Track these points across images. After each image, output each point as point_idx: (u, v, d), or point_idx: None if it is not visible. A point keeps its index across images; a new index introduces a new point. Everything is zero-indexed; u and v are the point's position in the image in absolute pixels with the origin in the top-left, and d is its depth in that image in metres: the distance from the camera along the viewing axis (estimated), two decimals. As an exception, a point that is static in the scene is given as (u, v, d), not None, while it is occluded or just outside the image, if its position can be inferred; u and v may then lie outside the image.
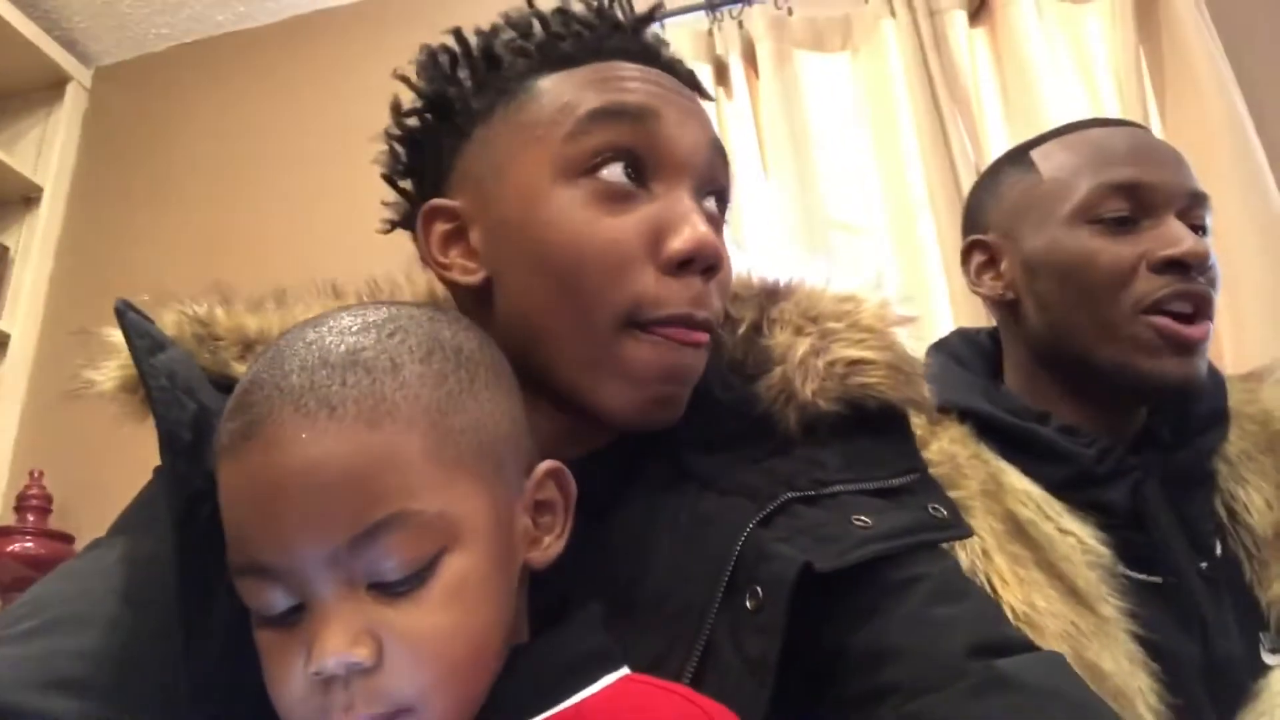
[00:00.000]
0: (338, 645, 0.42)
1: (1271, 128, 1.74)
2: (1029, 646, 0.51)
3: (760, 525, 0.54)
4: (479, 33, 0.64)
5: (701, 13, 1.98)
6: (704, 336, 0.58)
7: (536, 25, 0.63)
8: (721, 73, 1.96)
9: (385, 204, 0.69)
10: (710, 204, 0.61)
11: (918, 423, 0.67)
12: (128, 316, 0.55)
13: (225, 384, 0.56)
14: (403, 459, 0.45)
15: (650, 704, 0.46)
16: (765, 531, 0.54)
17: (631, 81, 0.59)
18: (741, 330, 0.66)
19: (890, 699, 0.48)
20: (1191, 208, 0.86)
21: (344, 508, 0.43)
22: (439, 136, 0.63)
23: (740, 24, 1.98)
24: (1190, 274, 0.83)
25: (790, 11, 1.97)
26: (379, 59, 2.30)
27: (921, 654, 0.49)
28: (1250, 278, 1.60)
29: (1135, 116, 1.73)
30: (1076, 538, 0.80)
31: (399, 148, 0.66)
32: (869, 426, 0.61)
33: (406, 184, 0.67)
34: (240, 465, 0.45)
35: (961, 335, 1.03)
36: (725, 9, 1.99)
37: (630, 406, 0.57)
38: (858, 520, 0.54)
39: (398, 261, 2.01)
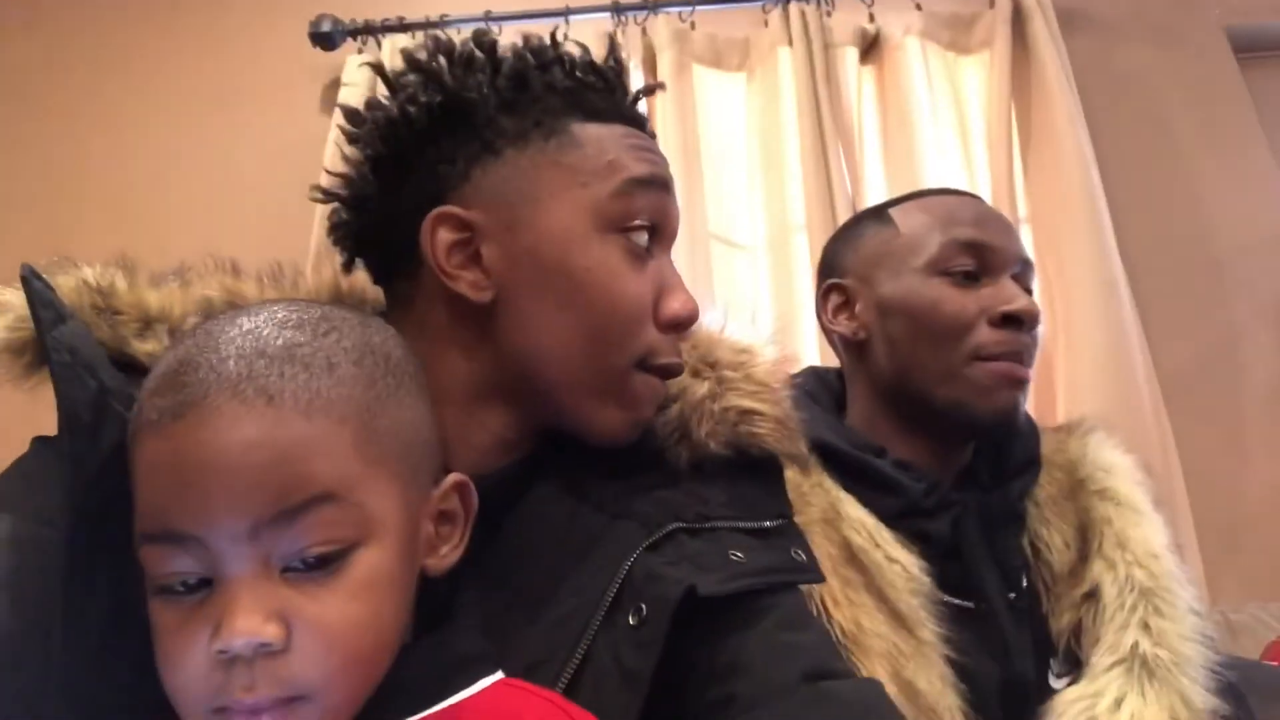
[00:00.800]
0: (249, 624, 0.42)
1: (1118, 192, 1.89)
2: (855, 675, 0.56)
3: (648, 550, 0.58)
4: (514, 52, 0.65)
5: (606, 14, 2.00)
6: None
7: (561, 67, 0.65)
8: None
9: (333, 173, 0.67)
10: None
11: None
12: (33, 285, 0.53)
13: (121, 360, 0.55)
14: (333, 449, 0.46)
15: (521, 708, 0.49)
16: (652, 556, 0.58)
17: (654, 154, 0.66)
18: None
19: (730, 708, 0.53)
20: (1023, 272, 0.97)
21: (273, 484, 0.44)
22: (457, 141, 0.62)
23: (644, 31, 2.01)
24: (1022, 329, 0.93)
25: (693, 25, 2.02)
26: (271, 14, 2.23)
27: (763, 672, 0.54)
28: (1087, 333, 1.74)
29: (1001, 164, 1.86)
30: (902, 565, 0.87)
31: (391, 130, 0.63)
32: (749, 470, 0.66)
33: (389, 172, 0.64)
34: (168, 441, 0.45)
35: (814, 372, 1.09)
36: (631, 14, 2.02)
37: (621, 427, 0.64)
38: (734, 554, 0.59)
39: (278, 222, 1.96)
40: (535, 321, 0.61)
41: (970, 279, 0.94)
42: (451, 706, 0.48)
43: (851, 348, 1.02)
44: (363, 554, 0.46)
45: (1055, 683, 0.87)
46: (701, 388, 0.66)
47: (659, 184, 0.64)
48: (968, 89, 2.01)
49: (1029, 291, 0.97)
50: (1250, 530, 1.74)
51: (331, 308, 0.54)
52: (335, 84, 2.06)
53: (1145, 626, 0.85)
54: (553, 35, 0.67)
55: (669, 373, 0.65)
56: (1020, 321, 0.92)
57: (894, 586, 0.85)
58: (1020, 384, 0.93)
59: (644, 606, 0.55)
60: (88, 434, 0.49)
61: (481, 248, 0.61)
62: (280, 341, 0.48)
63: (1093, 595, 0.90)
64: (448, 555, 0.54)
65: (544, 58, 0.64)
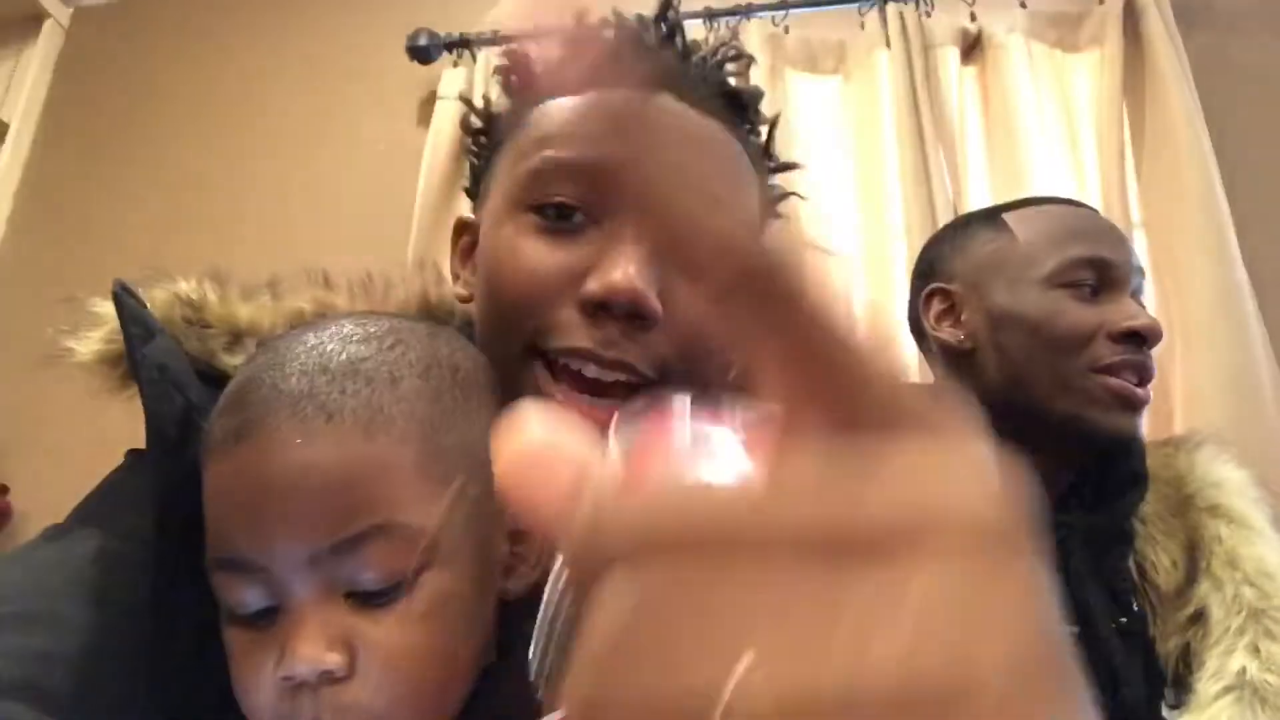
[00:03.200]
0: (311, 650, 0.42)
1: (1241, 197, 1.78)
2: None
3: None
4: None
5: (699, 21, 1.98)
6: (613, 374, 0.55)
7: None
8: (713, 83, 1.96)
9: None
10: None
11: None
12: (124, 301, 0.54)
13: (210, 374, 0.55)
14: (394, 471, 0.45)
15: None
16: None
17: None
18: None
19: None
20: (1140, 287, 0.96)
21: (331, 511, 0.43)
22: (482, 153, 0.66)
23: (735, 35, 1.99)
24: (1143, 347, 0.92)
25: (786, 30, 1.98)
26: (371, 12, 2.29)
27: None
28: (1207, 345, 1.64)
29: (1112, 168, 1.77)
30: (1005, 587, 0.82)
31: (472, 161, 0.68)
32: None
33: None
34: (232, 463, 0.45)
35: None
36: (723, 20, 1.99)
37: None
38: None
39: (376, 236, 2.01)
40: (477, 310, 0.61)
41: (1092, 293, 0.93)
42: None
43: (953, 357, 0.98)
44: (429, 577, 0.45)
45: (1168, 713, 0.82)
46: None
47: (588, 169, 0.56)
48: (1076, 89, 1.92)
49: (1142, 305, 0.96)
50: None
51: (401, 320, 0.53)
52: (432, 98, 2.09)
53: (1255, 650, 0.80)
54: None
55: (585, 359, 0.54)
56: (1142, 338, 0.91)
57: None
58: (1138, 403, 0.91)
59: None
60: (175, 451, 0.50)
61: (477, 250, 0.63)
62: (344, 357, 0.47)
63: (1200, 617, 0.85)
64: (525, 575, 0.52)
65: None
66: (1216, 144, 1.79)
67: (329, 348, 0.48)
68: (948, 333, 0.98)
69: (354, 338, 0.49)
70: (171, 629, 0.48)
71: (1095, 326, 0.91)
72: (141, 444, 0.58)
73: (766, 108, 0.69)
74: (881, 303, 1.79)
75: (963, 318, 0.98)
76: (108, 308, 0.58)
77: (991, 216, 1.01)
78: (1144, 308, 0.95)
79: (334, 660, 0.42)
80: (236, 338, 0.60)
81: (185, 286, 0.61)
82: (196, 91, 2.28)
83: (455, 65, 2.09)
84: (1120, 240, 0.97)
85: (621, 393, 0.54)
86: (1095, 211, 1.02)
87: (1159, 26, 1.85)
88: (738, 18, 1.99)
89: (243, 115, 2.24)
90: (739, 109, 0.65)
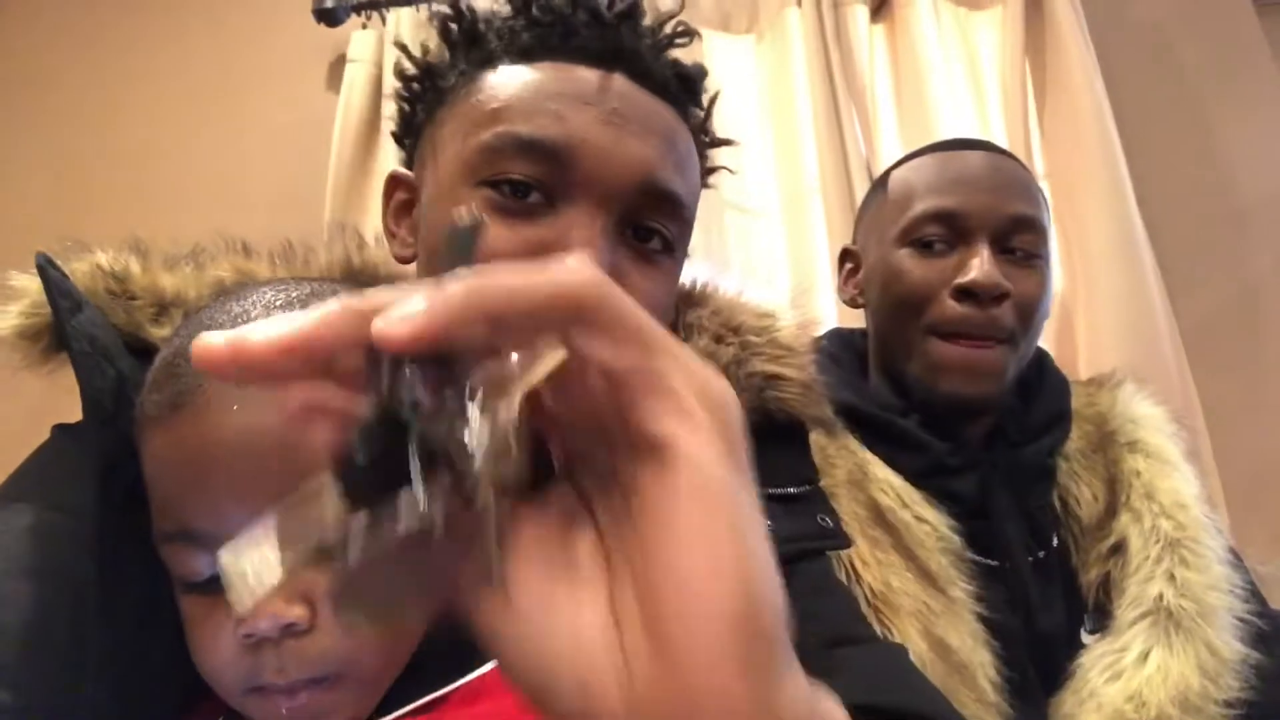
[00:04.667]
0: (271, 606, 0.42)
1: (1136, 149, 1.87)
2: (877, 640, 0.56)
3: None
4: (476, 11, 0.64)
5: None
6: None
7: (519, 6, 0.62)
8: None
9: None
10: (634, 239, 0.60)
11: None
12: (50, 275, 0.53)
13: (139, 346, 0.54)
14: None
15: None
16: None
17: (566, 102, 0.58)
18: None
19: None
20: (1010, 233, 0.90)
21: (275, 475, 0.43)
22: (417, 108, 0.64)
23: (650, -4, 1.99)
24: (982, 302, 0.87)
25: (700, -11, 1.99)
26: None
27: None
28: (1107, 287, 1.72)
29: (1016, 122, 1.83)
30: (931, 525, 0.86)
31: (401, 107, 0.67)
32: (774, 436, 0.64)
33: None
34: (170, 435, 0.45)
35: (837, 334, 1.09)
36: (636, -21, 1.99)
37: None
38: (822, 520, 0.58)
39: (288, 203, 1.97)
40: (421, 278, 0.59)
41: (938, 248, 0.90)
42: (475, 680, 0.48)
43: (866, 314, 1.02)
44: None
45: (1086, 638, 0.87)
46: (726, 354, 0.65)
47: (547, 148, 0.56)
48: (981, 46, 1.97)
49: (1023, 252, 0.91)
50: (1276, 482, 1.72)
51: (321, 283, 0.53)
52: (341, 61, 2.04)
53: (1171, 578, 0.84)
54: None
55: None
56: (976, 295, 0.87)
57: (923, 545, 0.85)
58: (975, 368, 0.88)
59: None
60: (110, 423, 0.49)
61: (415, 208, 0.62)
62: None
63: (1120, 548, 0.89)
64: None
65: (518, 3, 0.62)
66: (1113, 97, 1.86)
67: (253, 314, 0.48)
68: (845, 292, 1.02)
69: (276, 303, 0.49)
70: (117, 601, 0.48)
71: (936, 284, 0.89)
72: (63, 418, 0.57)
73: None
74: (801, 258, 1.83)
75: (858, 277, 1.01)
76: (24, 281, 0.56)
77: (886, 173, 1.02)
78: (1023, 254, 0.90)
79: (296, 614, 0.43)
80: (163, 308, 0.59)
81: (105, 258, 0.59)
82: (95, 59, 2.19)
83: (364, 28, 2.04)
84: (991, 185, 0.91)
85: None
86: (980, 153, 0.95)
87: (1057, -17, 1.91)
88: (651, -23, 1.99)
89: (145, 83, 2.15)
90: (687, 89, 0.66)
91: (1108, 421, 0.97)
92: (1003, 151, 1.00)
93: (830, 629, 0.55)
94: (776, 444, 0.65)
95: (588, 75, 0.59)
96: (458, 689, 0.48)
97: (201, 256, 0.65)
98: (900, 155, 1.85)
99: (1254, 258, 1.90)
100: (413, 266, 0.66)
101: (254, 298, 0.50)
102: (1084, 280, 1.78)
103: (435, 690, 0.48)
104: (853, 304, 1.01)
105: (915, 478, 0.89)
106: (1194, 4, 2.07)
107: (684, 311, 0.69)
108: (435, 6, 0.67)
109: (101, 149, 2.10)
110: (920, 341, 0.90)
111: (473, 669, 0.49)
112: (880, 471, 0.89)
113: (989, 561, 0.89)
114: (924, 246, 0.90)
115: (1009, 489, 0.92)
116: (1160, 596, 0.83)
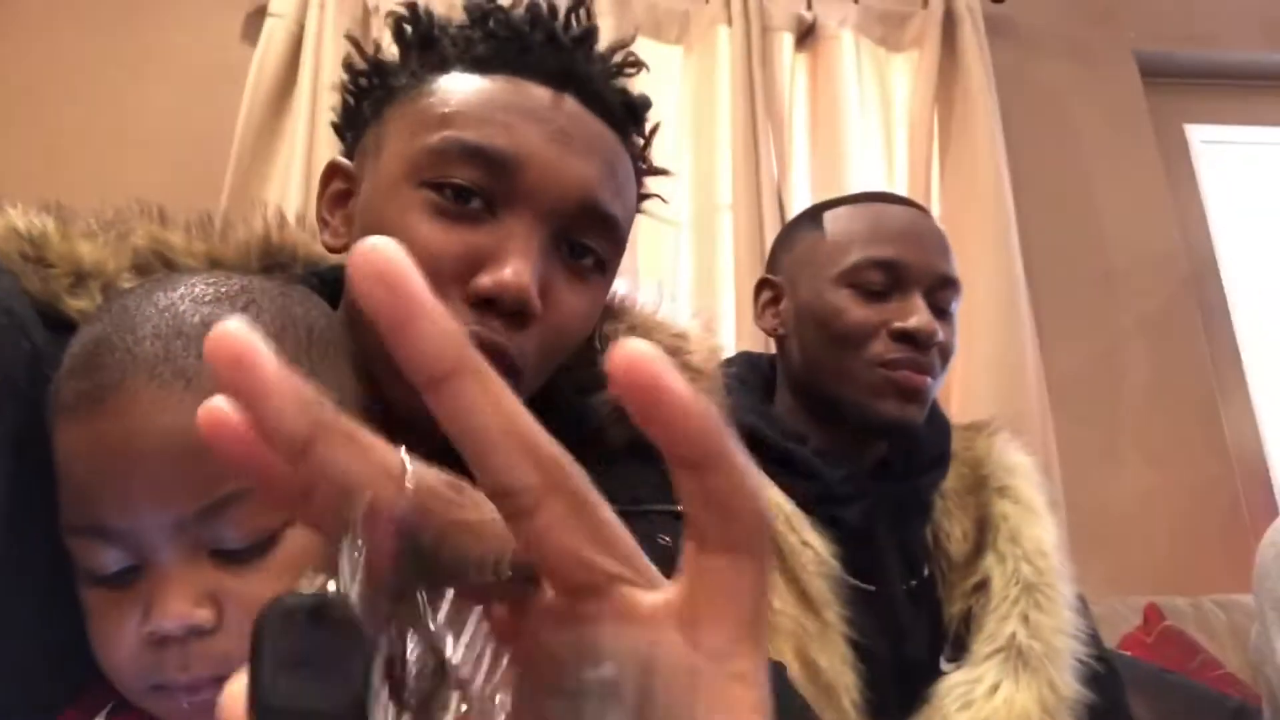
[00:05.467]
0: (179, 607, 0.42)
1: (1025, 202, 1.98)
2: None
3: None
4: (427, 13, 0.64)
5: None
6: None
7: (478, 17, 0.62)
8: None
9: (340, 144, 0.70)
10: (567, 255, 0.61)
11: None
12: None
13: (53, 317, 0.52)
14: None
15: None
16: None
17: (516, 115, 0.59)
18: None
19: None
20: (938, 289, 1.00)
21: (194, 477, 0.43)
22: (363, 102, 0.64)
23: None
24: (919, 346, 0.96)
25: (635, -7, 2.01)
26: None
27: None
28: (985, 332, 1.82)
29: (920, 162, 1.92)
30: (814, 549, 0.91)
31: (346, 100, 0.67)
32: (651, 452, 0.66)
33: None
34: (87, 428, 0.44)
35: (747, 358, 1.13)
36: (572, -26, 1.99)
37: (420, 406, 0.58)
38: (662, 539, 0.60)
39: (192, 154, 1.88)
40: None
41: (879, 294, 0.98)
42: None
43: (776, 342, 1.06)
44: (292, 532, 0.45)
45: (945, 666, 0.94)
46: None
47: (494, 157, 0.57)
48: (895, 85, 2.06)
49: (942, 311, 1.00)
50: (1117, 529, 1.86)
51: (252, 279, 0.52)
52: (260, 13, 1.97)
53: (1025, 619, 0.92)
54: None
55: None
56: (915, 340, 0.95)
57: (805, 569, 0.90)
58: (914, 394, 0.96)
59: None
60: (24, 398, 0.48)
61: (351, 200, 0.62)
62: (197, 319, 0.46)
63: (983, 586, 0.96)
64: None
65: (473, 11, 0.63)
66: (1009, 150, 1.97)
67: (181, 309, 0.46)
68: (767, 321, 1.06)
69: (205, 298, 0.48)
70: (21, 580, 0.47)
71: (876, 325, 0.96)
72: None
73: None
74: (705, 271, 1.87)
75: (780, 307, 1.05)
76: None
77: (815, 213, 1.07)
78: (940, 313, 0.99)
79: (203, 616, 0.42)
80: (80, 279, 0.56)
81: (22, 220, 0.56)
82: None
83: (288, -19, 1.98)
84: (925, 243, 1.00)
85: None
86: (913, 211, 1.06)
87: (972, 37, 2.02)
88: (587, -26, 2.00)
89: (43, 22, 2.02)
90: (632, 117, 0.67)
91: (983, 465, 1.04)
92: (926, 211, 1.10)
93: None
94: (649, 461, 0.67)
95: (540, 92, 0.60)
96: None
97: (123, 226, 0.62)
98: (809, 180, 1.93)
99: (1119, 316, 2.05)
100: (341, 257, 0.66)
101: (182, 289, 0.48)
102: (964, 325, 1.86)
103: None
104: (772, 333, 1.06)
105: (805, 503, 0.94)
106: (1089, 72, 2.22)
107: (601, 322, 0.70)
108: (393, 5, 0.67)
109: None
110: (862, 371, 0.96)
111: None
112: (774, 494, 0.93)
113: (866, 586, 0.95)
114: (864, 289, 0.97)
115: (890, 520, 0.98)
116: (1014, 635, 0.90)
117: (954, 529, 1.02)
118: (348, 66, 0.65)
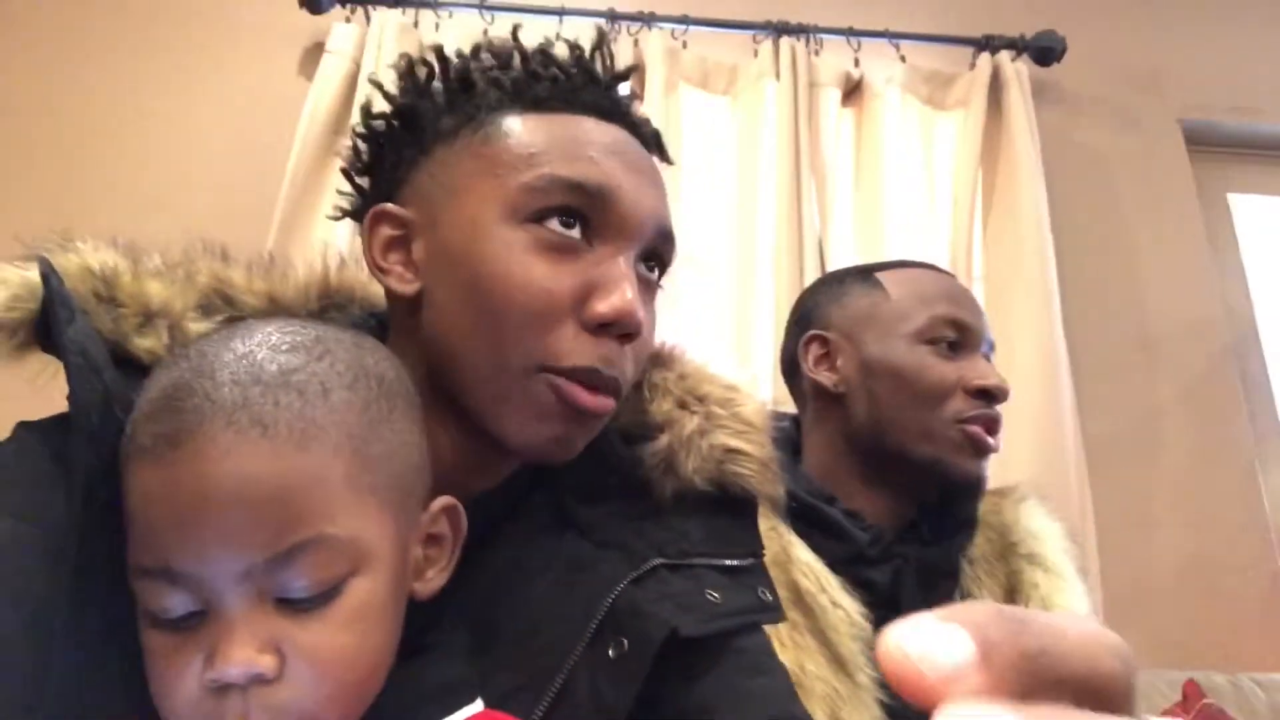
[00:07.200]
0: (243, 655, 0.43)
1: (1068, 265, 1.97)
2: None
3: (631, 583, 0.60)
4: (459, 55, 0.66)
5: (601, 19, 2.01)
6: (608, 400, 0.60)
7: (516, 59, 0.65)
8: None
9: (340, 192, 0.70)
10: (644, 270, 0.64)
11: None
12: (51, 282, 0.52)
13: (120, 355, 0.54)
14: (326, 483, 0.46)
15: None
16: (636, 589, 0.59)
17: (597, 150, 0.61)
18: None
19: None
20: (989, 352, 1.06)
21: (266, 526, 0.44)
22: (401, 145, 0.65)
23: (636, 42, 2.03)
24: (993, 402, 1.01)
25: (685, 44, 2.04)
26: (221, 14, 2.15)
27: (731, 717, 0.56)
28: (1025, 397, 1.80)
29: (963, 221, 1.92)
30: (845, 611, 0.90)
31: (362, 145, 0.68)
32: (726, 506, 0.67)
33: (364, 181, 0.69)
34: (165, 471, 0.45)
35: (773, 417, 1.13)
36: (625, 23, 2.03)
37: (536, 440, 0.59)
38: (710, 594, 0.61)
39: (246, 184, 1.92)
40: (446, 315, 0.60)
41: (951, 350, 1.01)
42: None
43: (825, 398, 1.06)
44: (356, 583, 0.46)
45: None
46: (691, 422, 0.67)
47: (591, 189, 0.59)
48: (939, 143, 2.07)
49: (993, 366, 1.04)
50: (1154, 599, 1.83)
51: (326, 328, 0.54)
52: (317, 49, 2.03)
53: None
54: (514, 29, 0.68)
55: (587, 380, 0.58)
56: (993, 396, 1.00)
57: (836, 630, 0.89)
58: (987, 450, 1.00)
59: (625, 641, 0.56)
60: (96, 438, 0.48)
61: (413, 244, 0.62)
62: (275, 367, 0.47)
63: None
64: (434, 579, 0.54)
65: (502, 54, 0.65)
66: (1052, 213, 1.97)
67: (259, 357, 0.48)
68: (824, 376, 1.06)
69: (282, 347, 0.49)
70: (82, 622, 0.47)
71: (955, 381, 1.00)
72: (22, 416, 0.56)
73: (659, 117, 0.73)
74: (744, 319, 1.88)
75: (837, 364, 1.06)
76: (9, 272, 0.54)
77: (865, 274, 1.09)
78: (994, 368, 1.05)
79: (266, 664, 0.43)
80: (148, 318, 0.58)
81: (96, 259, 0.58)
82: (55, 7, 2.12)
83: (348, 21, 2.04)
84: (976, 307, 1.06)
85: (610, 392, 0.60)
86: (955, 279, 1.11)
87: (1018, 98, 2.02)
88: (640, 24, 2.04)
89: (105, 48, 2.09)
90: (660, 148, 0.70)
91: (1011, 532, 1.04)
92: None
93: (773, 709, 0.57)
94: (728, 514, 0.67)
95: (604, 127, 0.63)
96: None
97: (190, 265, 0.63)
98: (852, 234, 1.94)
99: (1159, 383, 2.03)
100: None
101: (259, 337, 0.49)
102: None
103: None
104: (832, 389, 1.06)
105: (834, 564, 0.94)
106: (1135, 139, 2.22)
107: (649, 370, 0.71)
108: (422, 52, 0.69)
109: (46, 98, 2.03)
110: (941, 428, 0.99)
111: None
112: (803, 554, 0.92)
113: None
114: (941, 347, 1.01)
115: (918, 583, 0.98)
116: None
117: (983, 596, 1.01)
118: (368, 112, 0.67)
